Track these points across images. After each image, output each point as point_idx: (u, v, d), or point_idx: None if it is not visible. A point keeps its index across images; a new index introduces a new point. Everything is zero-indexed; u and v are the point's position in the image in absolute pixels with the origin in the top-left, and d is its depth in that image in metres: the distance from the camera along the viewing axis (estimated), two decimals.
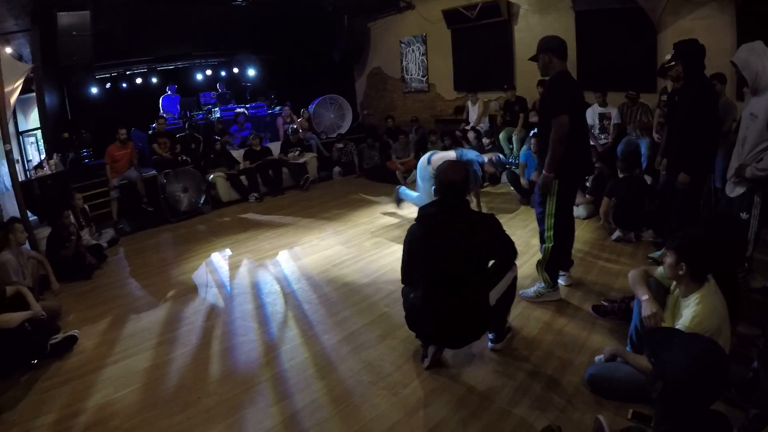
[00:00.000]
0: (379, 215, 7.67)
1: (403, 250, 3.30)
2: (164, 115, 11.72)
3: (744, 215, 3.89)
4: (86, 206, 7.42)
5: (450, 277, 3.09)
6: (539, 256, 4.33)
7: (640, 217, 5.65)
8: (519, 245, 5.47)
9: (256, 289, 5.19)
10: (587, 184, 6.69)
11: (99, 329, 4.59)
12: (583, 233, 6.03)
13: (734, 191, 4.00)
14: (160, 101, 12.72)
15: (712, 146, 4.54)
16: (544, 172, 3.98)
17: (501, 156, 7.05)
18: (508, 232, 5.92)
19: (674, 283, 2.92)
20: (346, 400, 3.16)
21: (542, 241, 4.26)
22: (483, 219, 3.18)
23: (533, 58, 4.13)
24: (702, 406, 1.84)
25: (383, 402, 3.10)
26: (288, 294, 5.00)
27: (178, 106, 12.59)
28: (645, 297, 2.93)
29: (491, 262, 3.36)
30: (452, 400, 3.05)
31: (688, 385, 1.79)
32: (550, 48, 3.98)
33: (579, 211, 6.63)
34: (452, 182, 3.09)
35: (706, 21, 7.34)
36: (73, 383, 3.70)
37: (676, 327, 2.66)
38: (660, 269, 3.06)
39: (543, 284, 4.31)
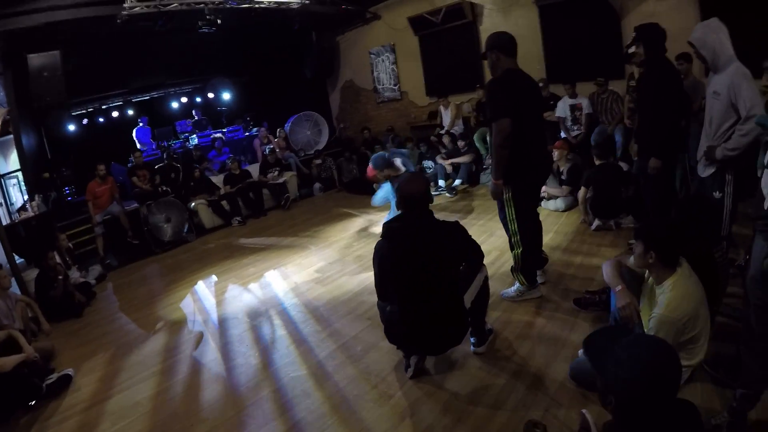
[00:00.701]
0: (361, 229, 7.70)
1: (374, 267, 3.30)
2: (139, 146, 11.77)
3: (717, 194, 3.84)
4: (71, 245, 7.42)
5: (422, 287, 3.11)
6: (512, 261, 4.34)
7: (618, 205, 5.69)
8: (499, 244, 5.62)
9: (243, 313, 5.20)
10: (563, 177, 6.75)
11: (92, 366, 4.62)
12: (563, 226, 6.11)
13: (705, 171, 3.96)
14: (134, 133, 12.80)
15: (680, 128, 4.54)
16: (492, 179, 3.94)
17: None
18: (488, 232, 6.02)
19: (647, 271, 2.95)
20: (334, 415, 3.19)
21: (511, 247, 4.23)
22: (447, 227, 3.20)
23: (482, 56, 4.05)
24: (661, 406, 1.72)
25: (369, 414, 3.13)
26: (274, 315, 5.01)
27: (150, 137, 12.62)
28: (618, 288, 2.94)
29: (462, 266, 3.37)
30: (437, 407, 3.08)
31: (640, 392, 1.69)
32: (496, 45, 3.89)
33: (558, 203, 6.71)
34: (413, 194, 3.11)
35: (668, 2, 7.46)
36: (71, 421, 3.74)
37: (653, 315, 2.69)
38: (632, 258, 3.06)
39: (521, 286, 4.31)
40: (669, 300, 2.66)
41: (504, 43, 3.90)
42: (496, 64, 3.91)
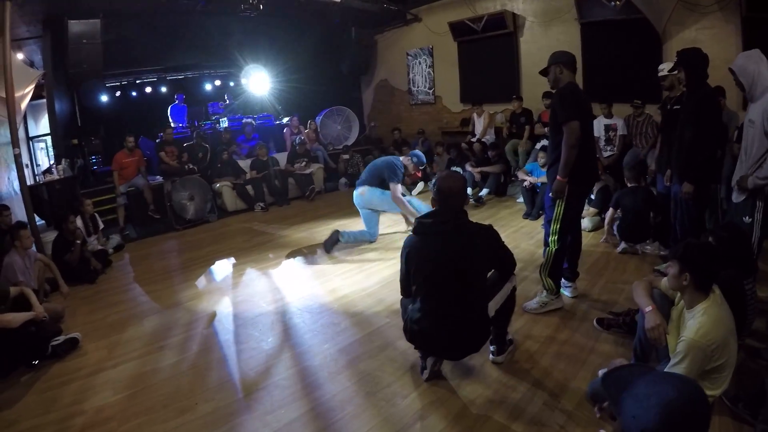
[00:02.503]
0: (383, 226, 7.57)
1: (401, 262, 3.26)
2: (172, 124, 11.82)
3: (747, 219, 3.91)
4: (96, 212, 7.46)
5: (447, 288, 3.05)
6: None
7: (646, 229, 5.59)
8: (524, 257, 5.54)
9: (257, 298, 5.17)
10: (592, 196, 6.66)
11: (100, 333, 4.62)
12: (589, 246, 5.98)
13: (738, 197, 4.02)
14: (169, 110, 12.85)
15: (716, 155, 4.55)
16: (558, 177, 4.01)
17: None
18: (513, 244, 5.92)
19: (679, 294, 2.86)
20: (344, 409, 3.13)
21: (546, 244, 4.29)
22: (481, 229, 3.13)
23: (543, 72, 4.22)
24: None
25: (380, 413, 3.06)
26: (289, 303, 4.97)
27: (185, 116, 12.66)
28: (648, 308, 2.88)
29: (490, 273, 3.32)
30: (450, 414, 3.01)
31: None
32: (561, 60, 4.09)
33: (584, 223, 6.58)
34: (451, 190, 3.06)
35: (711, 31, 7.39)
36: (73, 385, 3.72)
37: (681, 338, 2.60)
38: (664, 280, 2.99)
39: (545, 291, 4.29)
40: (700, 325, 2.56)
41: (569, 59, 4.13)
42: (559, 77, 4.12)
